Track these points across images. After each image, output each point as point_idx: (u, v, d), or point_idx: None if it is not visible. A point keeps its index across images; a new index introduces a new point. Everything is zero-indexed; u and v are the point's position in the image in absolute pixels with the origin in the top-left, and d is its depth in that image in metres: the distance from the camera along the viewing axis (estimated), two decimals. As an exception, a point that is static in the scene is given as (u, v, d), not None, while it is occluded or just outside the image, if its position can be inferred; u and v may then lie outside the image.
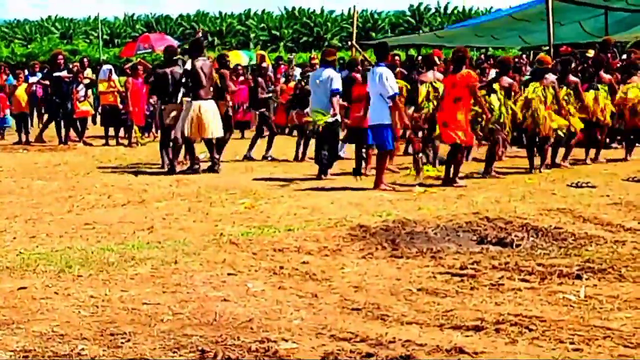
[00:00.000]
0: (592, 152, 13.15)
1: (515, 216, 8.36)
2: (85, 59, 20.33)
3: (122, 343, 4.65)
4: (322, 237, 7.55)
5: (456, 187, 10.57)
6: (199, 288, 5.84)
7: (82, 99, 18.07)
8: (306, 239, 7.48)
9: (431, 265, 6.50)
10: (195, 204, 9.53)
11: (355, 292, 5.73)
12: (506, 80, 11.74)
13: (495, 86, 11.62)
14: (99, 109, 19.84)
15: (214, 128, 12.45)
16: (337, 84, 11.58)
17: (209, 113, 12.36)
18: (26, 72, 20.39)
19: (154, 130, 18.72)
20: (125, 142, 17.38)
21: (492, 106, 11.38)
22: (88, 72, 19.51)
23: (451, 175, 10.80)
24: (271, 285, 5.94)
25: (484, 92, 11.49)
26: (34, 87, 20.55)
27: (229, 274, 6.24)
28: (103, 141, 17.73)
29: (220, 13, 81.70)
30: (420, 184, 10.67)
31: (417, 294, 5.67)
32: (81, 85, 18.05)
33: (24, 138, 18.07)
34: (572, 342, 4.61)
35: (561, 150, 12.65)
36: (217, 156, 12.64)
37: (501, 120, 11.47)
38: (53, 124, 18.02)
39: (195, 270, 6.37)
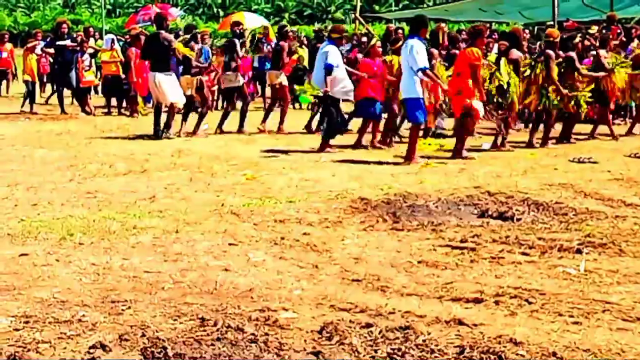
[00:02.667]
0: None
1: (517, 190, 8.36)
2: (90, 28, 20.21)
3: (122, 310, 4.68)
4: (323, 209, 7.56)
5: (463, 159, 10.63)
6: (200, 257, 5.86)
7: (87, 68, 18.01)
8: (307, 210, 7.49)
9: (432, 238, 6.51)
10: (196, 175, 9.53)
11: (355, 264, 5.75)
12: (515, 53, 11.67)
13: (503, 60, 11.56)
14: (101, 79, 19.80)
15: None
16: (330, 59, 11.40)
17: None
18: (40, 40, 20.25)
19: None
20: (127, 112, 17.34)
21: (501, 82, 11.36)
22: (92, 41, 19.41)
23: (458, 148, 10.86)
24: (272, 255, 5.96)
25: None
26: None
27: (230, 244, 6.25)
28: (105, 110, 17.69)
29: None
30: (422, 157, 10.66)
31: (417, 266, 5.69)
32: (86, 55, 17.97)
33: (27, 107, 18.01)
34: (571, 315, 4.63)
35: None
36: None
37: (508, 96, 11.44)
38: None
39: (197, 239, 6.38)
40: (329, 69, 11.36)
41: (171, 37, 13.60)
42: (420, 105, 10.57)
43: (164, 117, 13.18)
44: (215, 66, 17.56)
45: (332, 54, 11.46)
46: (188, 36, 14.70)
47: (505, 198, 7.95)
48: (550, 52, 11.80)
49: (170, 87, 13.20)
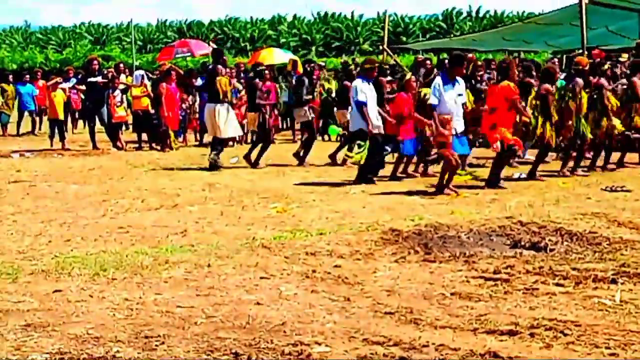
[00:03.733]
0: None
1: (549, 220, 8.30)
2: (121, 65, 20.52)
3: (156, 346, 4.69)
4: (354, 241, 7.55)
5: (496, 189, 10.63)
6: (232, 291, 5.87)
7: (119, 104, 18.24)
8: (338, 242, 7.48)
9: (464, 269, 6.47)
10: (227, 208, 9.57)
11: (387, 296, 5.72)
12: (545, 87, 11.66)
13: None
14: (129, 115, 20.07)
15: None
16: (360, 96, 11.43)
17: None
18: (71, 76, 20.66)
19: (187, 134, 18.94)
20: (158, 146, 17.49)
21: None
22: (123, 77, 19.69)
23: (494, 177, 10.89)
24: (304, 288, 5.95)
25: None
26: (68, 93, 20.80)
27: (261, 278, 6.26)
28: (136, 145, 17.86)
29: (251, 18, 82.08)
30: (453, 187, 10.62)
31: (450, 298, 5.65)
32: (117, 91, 18.22)
33: (55, 144, 18.21)
34: (607, 346, 4.56)
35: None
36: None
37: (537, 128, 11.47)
38: (87, 128, 18.22)
39: (228, 273, 6.40)
40: (359, 105, 11.42)
41: (221, 70, 13.98)
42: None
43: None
44: (245, 100, 17.78)
45: (359, 89, 11.48)
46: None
47: (537, 228, 7.90)
48: (579, 80, 11.76)
49: (226, 120, 13.68)
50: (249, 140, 18.57)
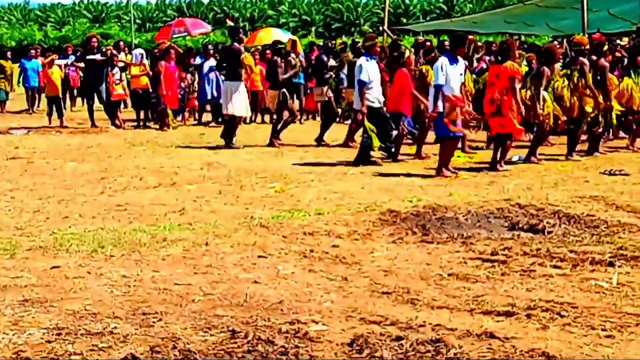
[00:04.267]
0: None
1: (547, 203, 8.30)
2: (121, 43, 20.42)
3: (153, 322, 4.70)
4: (352, 221, 7.55)
5: (500, 171, 10.65)
6: (230, 270, 5.88)
7: (118, 82, 18.17)
8: (336, 223, 7.49)
9: (462, 250, 6.48)
10: (225, 187, 9.57)
11: (385, 276, 5.74)
12: (546, 71, 11.60)
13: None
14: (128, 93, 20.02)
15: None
16: (364, 76, 11.48)
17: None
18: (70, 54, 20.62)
19: (186, 114, 18.90)
20: (157, 125, 17.45)
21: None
22: (123, 56, 19.63)
23: (498, 159, 10.91)
24: (301, 268, 5.96)
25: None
26: (66, 70, 20.72)
27: (259, 257, 6.27)
28: (134, 124, 17.81)
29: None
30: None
31: (447, 278, 5.66)
32: (116, 69, 18.14)
33: (54, 121, 18.17)
34: (604, 328, 4.59)
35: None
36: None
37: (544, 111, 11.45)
38: (85, 106, 18.18)
39: (226, 252, 6.40)
40: (361, 85, 11.44)
41: (241, 48, 14.13)
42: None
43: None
44: (245, 79, 17.71)
45: (364, 68, 11.49)
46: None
47: (535, 211, 7.90)
48: (585, 60, 11.73)
49: (237, 98, 13.78)
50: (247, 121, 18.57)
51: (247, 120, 18.47)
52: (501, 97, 10.68)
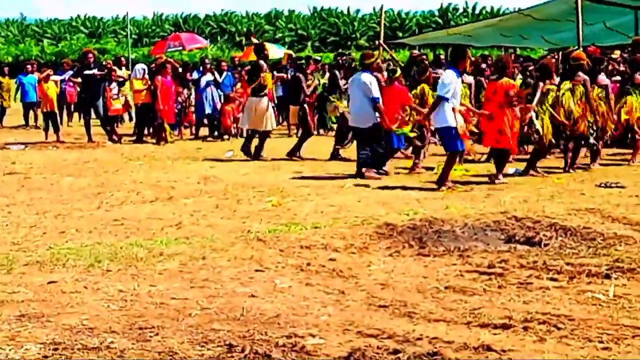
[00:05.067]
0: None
1: (544, 215, 8.31)
2: (122, 58, 20.50)
3: (150, 337, 4.69)
4: (349, 234, 7.56)
5: (497, 184, 10.68)
6: (227, 284, 5.88)
7: (115, 97, 18.19)
8: (333, 236, 7.49)
9: (458, 263, 6.48)
10: (222, 201, 9.58)
11: (382, 290, 5.74)
12: (541, 86, 11.65)
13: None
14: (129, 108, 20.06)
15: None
16: (376, 92, 11.62)
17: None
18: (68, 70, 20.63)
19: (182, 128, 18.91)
20: (154, 140, 17.47)
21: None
22: (123, 71, 19.71)
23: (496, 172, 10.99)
24: (298, 281, 5.97)
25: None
26: (63, 85, 20.72)
27: (256, 270, 6.27)
28: (132, 139, 17.81)
29: (247, 13, 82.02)
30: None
31: (444, 291, 5.67)
32: (114, 84, 18.17)
33: (50, 137, 18.17)
34: (600, 340, 4.59)
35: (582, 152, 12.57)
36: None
37: (538, 126, 11.46)
38: (82, 121, 18.19)
39: (223, 266, 6.40)
40: (376, 101, 11.55)
41: (263, 65, 14.34)
42: (456, 133, 10.54)
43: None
44: (241, 93, 17.81)
45: (375, 85, 11.60)
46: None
47: (532, 223, 7.91)
48: (585, 76, 11.76)
49: (263, 114, 14.05)
50: (244, 135, 18.60)
51: (237, 135, 18.49)
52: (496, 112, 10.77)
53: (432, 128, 11.86)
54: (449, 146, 10.67)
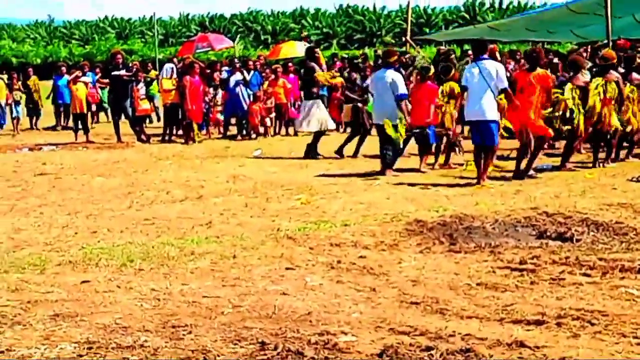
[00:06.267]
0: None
1: (575, 211, 8.25)
2: (149, 64, 20.67)
3: (183, 335, 4.72)
4: (378, 232, 7.55)
5: (528, 178, 10.65)
6: (258, 282, 5.90)
7: (143, 97, 18.31)
8: (363, 233, 7.49)
9: (490, 259, 6.45)
10: (252, 200, 9.60)
11: (413, 287, 5.73)
12: (581, 79, 11.57)
13: (569, 86, 11.49)
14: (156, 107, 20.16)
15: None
16: (402, 89, 11.62)
17: None
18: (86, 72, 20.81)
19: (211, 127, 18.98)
20: (182, 139, 17.55)
21: (568, 108, 11.33)
22: (153, 72, 19.84)
23: (527, 167, 10.92)
24: (329, 279, 5.97)
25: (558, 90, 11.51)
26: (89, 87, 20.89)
27: (287, 268, 6.28)
28: (159, 138, 17.91)
29: (272, 11, 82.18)
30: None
31: (476, 288, 5.64)
32: (141, 84, 18.28)
33: (80, 137, 18.33)
34: (635, 336, 4.55)
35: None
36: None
37: (575, 119, 11.37)
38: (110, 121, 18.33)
39: (254, 264, 6.42)
40: (403, 98, 11.54)
41: (315, 66, 14.44)
42: (497, 127, 10.51)
43: None
44: (269, 93, 17.87)
45: (401, 82, 11.60)
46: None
47: (563, 219, 7.85)
48: (618, 74, 11.67)
49: (313, 115, 14.19)
50: (271, 133, 18.65)
51: (271, 133, 18.57)
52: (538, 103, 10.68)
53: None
54: (489, 140, 10.53)
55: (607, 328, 4.69)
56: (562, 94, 11.39)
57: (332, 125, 14.81)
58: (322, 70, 14.83)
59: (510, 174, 10.99)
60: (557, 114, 11.33)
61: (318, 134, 14.22)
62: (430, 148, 12.24)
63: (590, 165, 11.83)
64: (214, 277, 6.06)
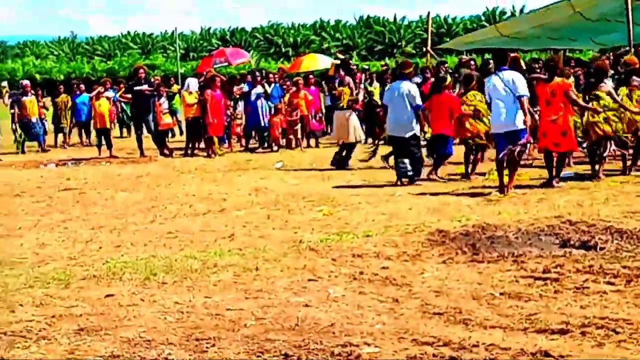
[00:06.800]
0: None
1: (599, 219, 8.19)
2: (172, 79, 20.83)
3: (207, 348, 4.74)
4: (401, 242, 7.54)
5: (555, 187, 10.64)
6: (281, 294, 5.91)
7: (166, 111, 18.44)
8: (385, 244, 7.48)
9: (513, 269, 6.42)
10: (274, 212, 9.63)
11: (436, 297, 5.71)
12: (605, 87, 11.51)
13: (601, 93, 11.44)
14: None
15: None
16: (419, 100, 11.70)
17: None
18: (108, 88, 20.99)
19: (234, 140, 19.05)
20: (204, 153, 17.63)
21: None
22: (175, 87, 19.95)
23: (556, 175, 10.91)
24: (351, 290, 5.97)
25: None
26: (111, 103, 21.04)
27: (309, 280, 6.29)
28: (182, 152, 18.00)
29: (293, 24, 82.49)
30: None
31: (499, 298, 5.62)
32: (163, 98, 18.41)
33: (103, 152, 18.48)
34: (661, 345, 4.50)
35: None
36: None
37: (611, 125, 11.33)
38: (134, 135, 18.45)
39: (276, 276, 6.44)
40: (419, 109, 11.65)
41: (347, 79, 14.89)
42: (525, 135, 10.41)
43: None
44: (294, 104, 17.93)
45: (417, 94, 11.70)
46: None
47: (587, 227, 7.80)
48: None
49: (349, 126, 14.41)
50: (292, 146, 18.69)
51: (304, 145, 18.59)
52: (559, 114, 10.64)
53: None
54: (518, 150, 10.44)
55: (631, 337, 4.65)
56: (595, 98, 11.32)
57: (361, 136, 15.00)
58: (355, 84, 15.00)
59: (533, 182, 10.95)
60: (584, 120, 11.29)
61: (352, 145, 14.27)
62: (446, 158, 12.25)
63: (619, 172, 11.70)
64: (236, 290, 6.08)
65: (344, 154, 14.30)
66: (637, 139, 11.64)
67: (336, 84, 18.07)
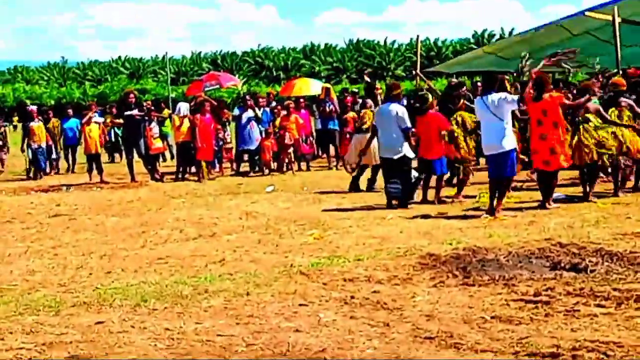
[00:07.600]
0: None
1: (589, 241, 8.22)
2: (162, 103, 20.88)
3: (197, 374, 4.72)
4: (392, 266, 7.54)
5: (549, 208, 10.71)
6: (271, 319, 5.89)
7: (156, 135, 18.45)
8: (376, 268, 7.48)
9: (504, 292, 6.42)
10: (264, 236, 9.62)
11: (427, 321, 5.71)
12: (593, 106, 11.59)
13: (590, 115, 11.52)
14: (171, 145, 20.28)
15: None
16: (408, 122, 11.74)
17: None
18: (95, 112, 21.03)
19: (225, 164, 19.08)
20: (195, 177, 17.63)
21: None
22: (166, 111, 19.97)
23: (547, 198, 10.96)
24: (342, 315, 5.96)
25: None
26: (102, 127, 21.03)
27: (300, 305, 6.27)
28: (173, 177, 18.00)
29: (283, 48, 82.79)
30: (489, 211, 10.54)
31: (490, 321, 5.62)
32: (154, 123, 18.43)
33: (94, 177, 18.46)
34: (652, 367, 4.51)
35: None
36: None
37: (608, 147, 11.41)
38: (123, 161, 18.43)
39: (267, 301, 6.42)
40: (408, 130, 11.71)
41: (367, 102, 15.29)
42: (513, 157, 10.52)
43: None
44: (287, 128, 17.98)
45: (405, 115, 11.72)
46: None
47: (577, 249, 7.83)
48: (630, 101, 11.73)
49: (372, 149, 14.07)
50: (284, 169, 18.71)
51: (295, 168, 18.61)
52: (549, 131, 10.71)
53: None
54: (508, 171, 10.53)
55: (622, 359, 4.65)
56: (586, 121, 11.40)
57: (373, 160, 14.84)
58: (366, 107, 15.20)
59: (523, 204, 10.99)
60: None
61: (376, 168, 14.03)
62: (440, 179, 12.27)
63: (611, 194, 11.74)
64: (227, 315, 6.06)
65: (366, 176, 14.24)
66: (633, 160, 11.72)
67: (327, 108, 18.19)
